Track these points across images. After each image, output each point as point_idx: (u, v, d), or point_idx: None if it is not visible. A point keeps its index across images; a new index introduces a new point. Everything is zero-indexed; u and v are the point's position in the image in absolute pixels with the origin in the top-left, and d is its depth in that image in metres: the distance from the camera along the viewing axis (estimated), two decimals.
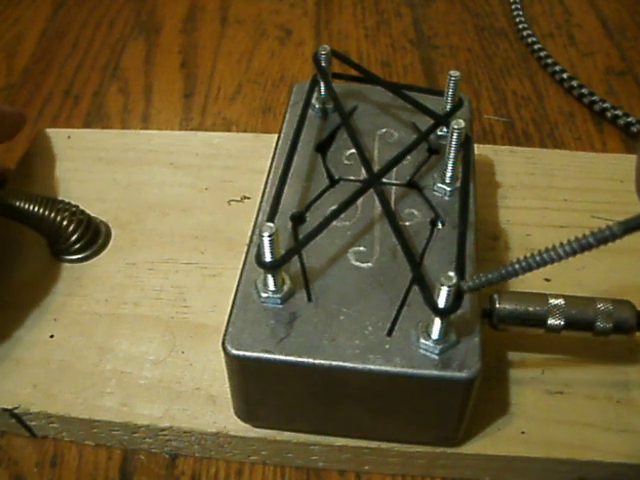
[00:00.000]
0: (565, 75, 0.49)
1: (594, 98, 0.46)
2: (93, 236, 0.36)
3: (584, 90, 0.47)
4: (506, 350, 0.32)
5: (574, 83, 0.48)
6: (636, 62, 0.52)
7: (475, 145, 0.42)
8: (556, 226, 0.37)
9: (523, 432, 0.29)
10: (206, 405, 0.30)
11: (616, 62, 0.52)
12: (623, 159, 0.41)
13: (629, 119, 0.45)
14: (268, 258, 0.25)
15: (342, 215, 0.29)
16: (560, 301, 0.29)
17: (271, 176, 0.31)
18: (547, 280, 0.34)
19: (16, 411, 0.30)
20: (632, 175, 0.22)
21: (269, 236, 0.25)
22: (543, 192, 0.39)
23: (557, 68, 0.49)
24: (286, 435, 0.29)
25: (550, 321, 0.29)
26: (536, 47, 0.52)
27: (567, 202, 0.38)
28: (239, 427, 0.29)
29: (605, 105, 0.46)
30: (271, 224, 0.25)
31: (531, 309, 0.29)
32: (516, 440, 0.29)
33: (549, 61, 0.50)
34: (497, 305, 0.29)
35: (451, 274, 0.23)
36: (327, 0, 0.60)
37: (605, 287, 0.34)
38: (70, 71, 0.53)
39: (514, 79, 0.51)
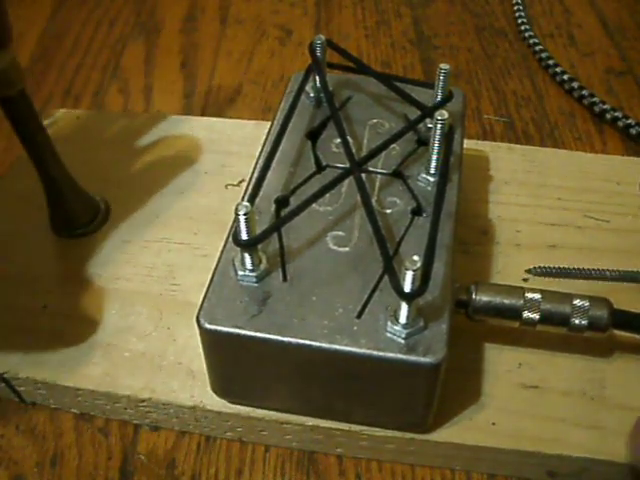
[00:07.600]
0: (566, 77, 0.48)
1: (594, 100, 0.46)
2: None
3: (584, 92, 0.47)
4: (485, 342, 0.32)
5: (574, 85, 0.47)
6: (636, 62, 0.51)
7: (474, 141, 0.43)
8: (547, 224, 0.37)
9: (494, 423, 0.29)
10: (185, 380, 0.31)
11: (616, 62, 0.51)
12: (621, 161, 0.41)
13: (628, 121, 0.44)
14: (244, 236, 0.26)
15: (326, 200, 0.30)
16: (536, 295, 0.29)
17: (259, 161, 0.32)
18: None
19: (5, 375, 0.31)
20: (629, 178, 0.21)
21: (244, 214, 0.25)
22: (537, 190, 0.39)
23: (558, 70, 0.49)
24: (259, 412, 0.30)
25: (525, 314, 0.29)
26: (537, 48, 0.52)
27: (560, 201, 0.38)
28: (215, 402, 0.30)
29: (605, 107, 0.45)
30: (246, 203, 0.25)
31: (507, 302, 0.29)
32: (486, 431, 0.29)
33: (550, 62, 0.50)
34: (473, 296, 0.29)
35: (415, 258, 0.23)
36: (327, 0, 0.60)
37: (589, 287, 0.34)
38: (70, 71, 0.53)
39: (514, 79, 0.51)
